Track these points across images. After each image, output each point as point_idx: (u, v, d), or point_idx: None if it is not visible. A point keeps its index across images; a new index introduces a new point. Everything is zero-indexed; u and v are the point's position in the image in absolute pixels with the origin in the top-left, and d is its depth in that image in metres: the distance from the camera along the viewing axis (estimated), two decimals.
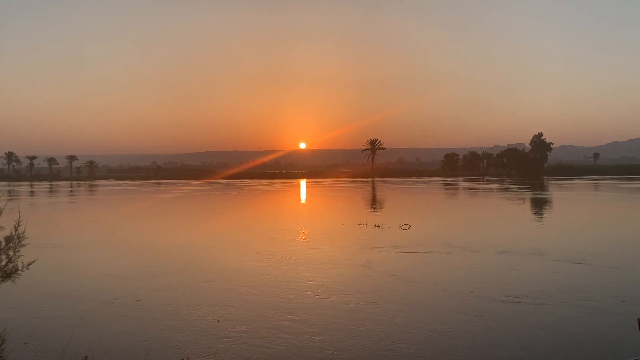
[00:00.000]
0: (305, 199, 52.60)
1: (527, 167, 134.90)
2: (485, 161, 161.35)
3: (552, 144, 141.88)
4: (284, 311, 10.70)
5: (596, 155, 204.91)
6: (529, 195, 51.86)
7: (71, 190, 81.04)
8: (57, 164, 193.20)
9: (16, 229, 4.82)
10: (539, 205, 40.20)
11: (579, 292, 11.85)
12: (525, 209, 37.74)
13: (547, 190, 59.75)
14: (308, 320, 10.06)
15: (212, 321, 10.09)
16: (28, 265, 4.90)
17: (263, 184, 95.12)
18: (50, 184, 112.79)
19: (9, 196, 60.76)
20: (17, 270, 4.77)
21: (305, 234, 23.19)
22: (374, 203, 45.49)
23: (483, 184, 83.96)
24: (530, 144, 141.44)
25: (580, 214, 32.75)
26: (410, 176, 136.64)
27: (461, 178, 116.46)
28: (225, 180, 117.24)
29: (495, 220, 29.72)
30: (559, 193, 54.96)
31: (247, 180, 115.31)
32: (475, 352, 8.34)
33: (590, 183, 79.82)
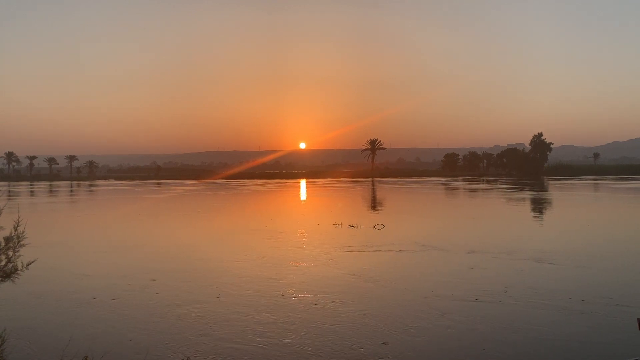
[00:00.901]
0: (292, 200, 52.47)
1: (527, 167, 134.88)
2: (485, 161, 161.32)
3: (552, 144, 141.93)
4: (256, 310, 10.80)
5: (596, 155, 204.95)
6: (517, 195, 51.76)
7: (63, 191, 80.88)
8: (57, 164, 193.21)
9: (15, 229, 4.85)
10: (522, 206, 40.11)
11: (542, 291, 11.93)
12: (507, 209, 37.60)
13: (537, 190, 59.61)
14: (279, 319, 10.12)
15: (189, 319, 10.14)
16: (27, 265, 4.92)
17: (258, 184, 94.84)
18: (50, 184, 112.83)
19: (3, 196, 60.64)
20: (16, 270, 4.80)
21: (279, 234, 23.17)
22: (359, 203, 45.52)
23: (476, 184, 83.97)
24: (530, 144, 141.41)
25: (559, 214, 32.71)
26: (410, 176, 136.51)
27: (460, 178, 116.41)
28: (221, 181, 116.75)
29: (473, 220, 29.61)
30: (548, 193, 54.85)
31: (245, 181, 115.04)
32: (436, 351, 8.40)
33: (586, 183, 79.63)
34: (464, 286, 12.56)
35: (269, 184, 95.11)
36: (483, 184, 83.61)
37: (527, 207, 39.07)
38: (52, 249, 19.41)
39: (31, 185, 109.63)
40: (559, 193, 54.82)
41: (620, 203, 41.45)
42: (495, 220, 29.87)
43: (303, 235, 22.91)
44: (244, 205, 44.94)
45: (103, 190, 77.30)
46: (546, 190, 59.83)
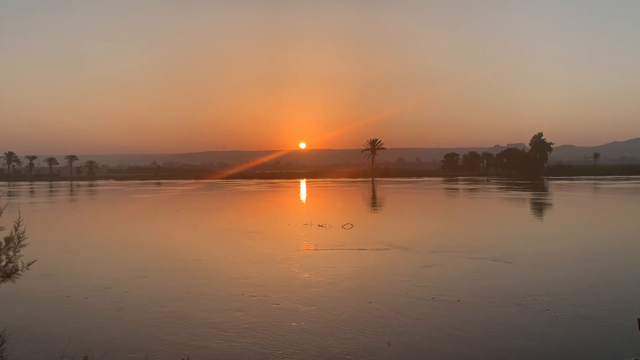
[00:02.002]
0: (275, 200, 52.10)
1: (527, 167, 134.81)
2: (485, 161, 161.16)
3: (552, 144, 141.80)
4: (219, 309, 10.85)
5: (596, 155, 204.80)
6: (503, 195, 51.72)
7: (53, 191, 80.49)
8: (57, 164, 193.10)
9: (16, 229, 4.85)
10: (502, 206, 40.02)
11: (498, 290, 12.05)
12: (486, 208, 37.61)
13: (527, 190, 59.49)
14: (240, 320, 10.13)
15: (160, 318, 10.10)
16: (28, 265, 4.93)
17: (251, 184, 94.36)
18: (50, 184, 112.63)
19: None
20: (17, 270, 4.80)
21: (248, 234, 23.24)
22: (341, 203, 45.59)
23: (470, 184, 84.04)
24: (530, 144, 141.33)
25: (535, 214, 32.70)
26: (410, 176, 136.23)
27: (460, 178, 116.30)
28: (216, 181, 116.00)
29: (446, 219, 29.64)
30: (535, 193, 54.56)
31: (241, 181, 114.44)
32: (397, 349, 8.44)
33: (580, 183, 79.45)
34: (422, 285, 12.69)
35: (263, 184, 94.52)
36: (476, 184, 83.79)
37: (507, 207, 38.98)
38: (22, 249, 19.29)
39: (26, 185, 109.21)
40: (548, 193, 54.65)
41: (603, 203, 41.27)
42: (468, 219, 29.91)
43: (271, 234, 23.01)
44: (225, 206, 44.80)
45: (94, 191, 77.38)
46: (536, 190, 59.72)
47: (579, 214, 32.28)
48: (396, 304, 11.00)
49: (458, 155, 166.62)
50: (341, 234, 22.17)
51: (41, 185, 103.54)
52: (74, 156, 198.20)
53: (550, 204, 40.20)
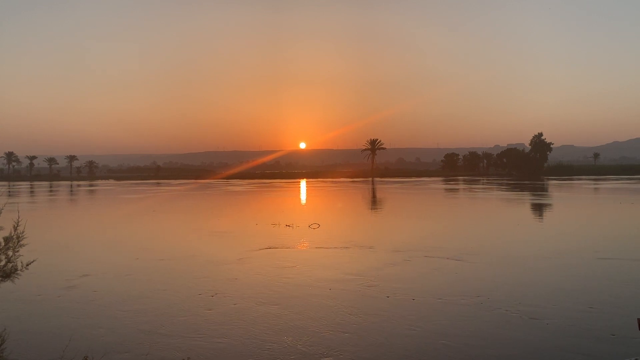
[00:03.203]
0: (259, 200, 51.35)
1: (527, 167, 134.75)
2: (485, 161, 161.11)
3: (552, 144, 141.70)
4: (183, 307, 10.93)
5: (596, 155, 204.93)
6: (487, 195, 51.64)
7: (43, 191, 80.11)
8: (57, 164, 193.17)
9: (15, 229, 4.86)
10: (481, 205, 39.91)
11: (451, 289, 12.15)
12: (462, 208, 37.53)
13: (510, 191, 59.20)
14: (199, 319, 10.15)
15: (132, 317, 10.02)
16: (27, 265, 4.93)
17: (243, 184, 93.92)
18: (50, 184, 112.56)
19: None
20: (16, 270, 4.81)
21: (215, 234, 23.32)
22: (319, 202, 45.68)
23: (462, 184, 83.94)
24: (530, 144, 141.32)
25: (509, 214, 32.72)
26: (410, 176, 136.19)
27: (460, 178, 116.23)
28: (212, 181, 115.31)
29: (417, 219, 29.60)
30: (519, 194, 54.08)
31: (238, 181, 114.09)
32: (353, 346, 8.53)
33: (576, 183, 79.17)
34: (377, 284, 12.77)
35: (255, 184, 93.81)
36: (469, 183, 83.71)
37: (485, 206, 38.85)
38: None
39: (22, 185, 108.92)
40: (534, 193, 54.27)
41: (585, 203, 41.00)
42: (439, 219, 29.84)
43: (237, 234, 23.04)
44: (206, 206, 44.41)
45: (87, 191, 77.13)
46: (524, 190, 59.41)
47: (553, 214, 32.20)
48: (352, 302, 11.10)
49: (458, 155, 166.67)
50: (307, 234, 22.17)
51: (38, 186, 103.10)
52: (74, 156, 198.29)
53: (531, 204, 39.89)
